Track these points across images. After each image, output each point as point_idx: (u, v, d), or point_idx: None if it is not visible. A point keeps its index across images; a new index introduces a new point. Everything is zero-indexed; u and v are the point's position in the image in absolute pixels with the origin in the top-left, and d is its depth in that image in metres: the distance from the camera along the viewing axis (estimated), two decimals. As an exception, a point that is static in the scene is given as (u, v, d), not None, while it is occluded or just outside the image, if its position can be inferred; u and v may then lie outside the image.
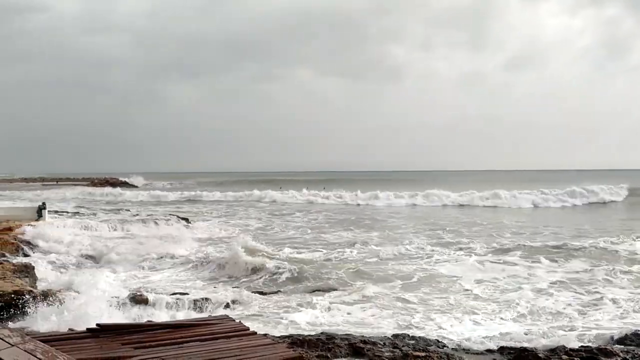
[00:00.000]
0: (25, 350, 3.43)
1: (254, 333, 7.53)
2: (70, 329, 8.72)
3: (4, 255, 17.56)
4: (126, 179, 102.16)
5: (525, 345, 9.08)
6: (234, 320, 8.18)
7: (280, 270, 15.47)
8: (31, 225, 22.42)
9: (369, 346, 8.63)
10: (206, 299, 12.58)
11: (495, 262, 17.31)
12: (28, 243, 19.74)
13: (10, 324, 10.21)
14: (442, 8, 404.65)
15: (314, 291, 13.66)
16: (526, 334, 10.02)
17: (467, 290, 13.83)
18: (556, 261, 17.27)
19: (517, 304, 12.30)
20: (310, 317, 11.27)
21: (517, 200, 48.78)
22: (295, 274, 15.17)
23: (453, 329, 10.65)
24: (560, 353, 8.56)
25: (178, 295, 12.88)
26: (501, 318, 11.40)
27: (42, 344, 3.61)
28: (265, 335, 8.07)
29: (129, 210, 37.91)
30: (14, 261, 16.17)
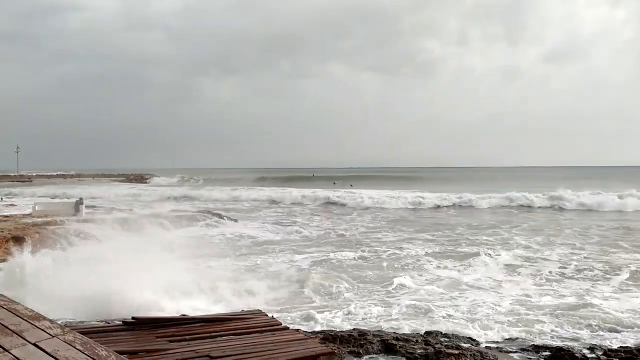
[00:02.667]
0: (65, 342, 3.50)
1: (287, 328, 7.58)
2: (106, 322, 8.90)
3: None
4: (155, 177, 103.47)
5: (562, 345, 8.91)
6: (267, 315, 8.24)
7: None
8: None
9: (401, 343, 8.58)
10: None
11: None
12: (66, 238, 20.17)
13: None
14: (477, 1, 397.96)
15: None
16: (563, 333, 9.83)
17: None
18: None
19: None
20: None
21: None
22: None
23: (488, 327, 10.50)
24: (599, 353, 8.38)
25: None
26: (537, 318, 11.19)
27: (81, 335, 3.68)
28: (297, 330, 8.10)
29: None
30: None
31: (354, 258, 18.08)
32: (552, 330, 10.02)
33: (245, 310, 9.49)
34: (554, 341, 9.30)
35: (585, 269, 15.72)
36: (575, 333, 9.87)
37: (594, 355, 8.27)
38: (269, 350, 6.48)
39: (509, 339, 9.54)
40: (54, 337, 3.60)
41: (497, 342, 9.29)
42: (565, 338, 9.54)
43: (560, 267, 16.14)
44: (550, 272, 15.40)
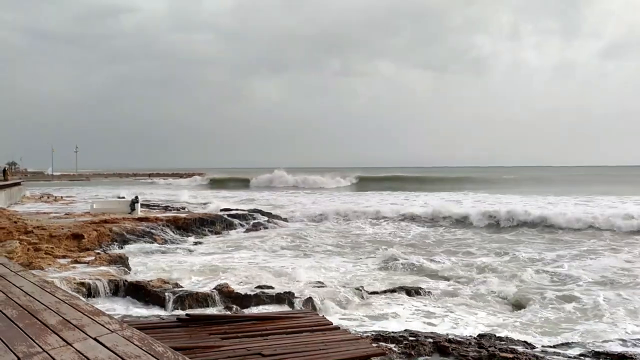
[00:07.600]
0: (123, 337, 3.58)
1: (338, 328, 7.55)
2: (161, 318, 9.10)
3: (100, 246, 18.64)
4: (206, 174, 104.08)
5: (624, 351, 8.56)
6: (318, 314, 8.24)
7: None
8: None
9: (454, 345, 8.44)
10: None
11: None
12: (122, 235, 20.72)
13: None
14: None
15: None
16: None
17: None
18: None
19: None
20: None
21: None
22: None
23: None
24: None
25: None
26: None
27: (138, 331, 3.76)
28: (347, 330, 8.07)
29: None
30: (111, 252, 17.16)
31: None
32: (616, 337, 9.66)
33: (296, 309, 9.52)
34: (617, 347, 8.94)
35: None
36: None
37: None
38: (320, 350, 6.47)
39: (566, 343, 9.24)
40: (112, 332, 3.70)
41: (554, 347, 9.00)
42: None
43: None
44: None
